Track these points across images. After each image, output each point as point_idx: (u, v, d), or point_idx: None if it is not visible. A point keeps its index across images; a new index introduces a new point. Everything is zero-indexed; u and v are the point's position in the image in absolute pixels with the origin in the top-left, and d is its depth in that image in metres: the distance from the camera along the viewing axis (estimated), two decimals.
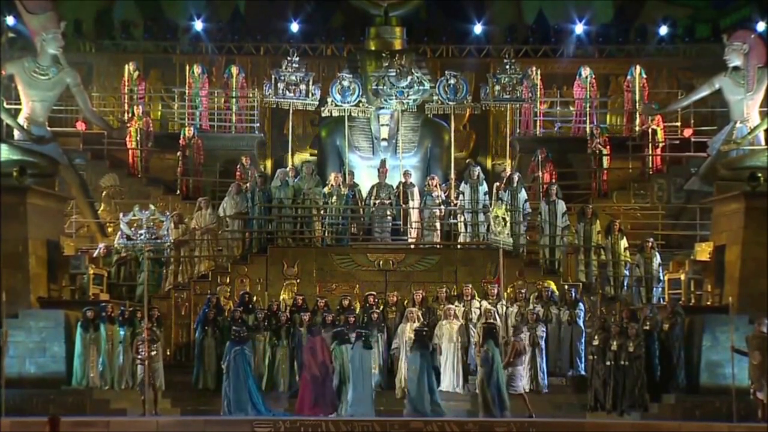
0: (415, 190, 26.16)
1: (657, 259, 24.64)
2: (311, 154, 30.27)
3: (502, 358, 20.92)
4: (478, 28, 31.47)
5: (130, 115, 28.65)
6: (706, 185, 25.76)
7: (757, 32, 27.35)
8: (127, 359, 21.92)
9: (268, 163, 30.30)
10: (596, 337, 21.94)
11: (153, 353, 21.07)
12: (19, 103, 25.57)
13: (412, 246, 25.36)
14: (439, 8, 32.30)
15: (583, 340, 22.87)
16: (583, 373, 22.70)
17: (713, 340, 21.83)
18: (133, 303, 23.49)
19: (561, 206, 25.30)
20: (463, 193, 25.63)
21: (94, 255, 24.60)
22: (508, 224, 21.72)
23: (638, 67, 29.57)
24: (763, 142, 25.15)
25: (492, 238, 21.99)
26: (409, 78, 27.26)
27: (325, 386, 21.20)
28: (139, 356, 21.08)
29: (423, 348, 21.30)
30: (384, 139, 28.00)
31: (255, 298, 23.61)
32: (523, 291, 23.36)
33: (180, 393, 22.23)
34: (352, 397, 21.15)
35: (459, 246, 25.45)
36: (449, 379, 22.44)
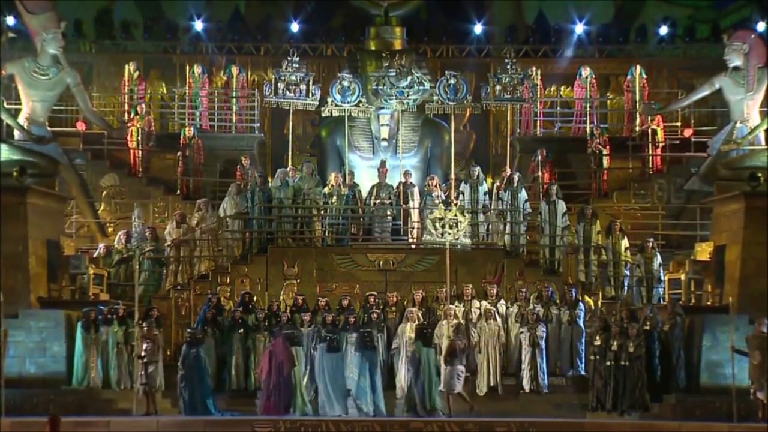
0: (415, 190, 26.16)
1: (657, 259, 24.65)
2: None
3: (436, 359, 21.12)
4: (478, 28, 31.46)
5: (132, 114, 28.64)
6: (707, 185, 25.76)
7: (757, 32, 27.34)
8: (122, 360, 21.94)
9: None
10: (597, 337, 21.95)
11: (144, 353, 21.05)
12: (19, 103, 25.58)
13: (412, 246, 25.35)
14: (439, 8, 32.28)
15: (583, 340, 22.87)
16: (583, 373, 22.70)
17: (713, 340, 21.84)
18: (131, 303, 23.49)
19: (561, 206, 25.30)
20: (463, 193, 25.64)
21: (94, 255, 24.60)
22: (464, 224, 21.56)
23: (638, 67, 29.57)
24: (763, 142, 25.16)
25: (428, 239, 21.67)
26: (409, 78, 27.26)
27: (280, 387, 21.21)
28: (142, 356, 21.10)
29: (366, 349, 21.49)
30: (384, 139, 28.01)
31: (255, 298, 23.61)
32: (523, 291, 23.36)
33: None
34: (321, 398, 21.39)
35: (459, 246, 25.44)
36: None
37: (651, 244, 24.79)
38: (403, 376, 22.28)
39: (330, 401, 21.32)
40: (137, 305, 21.66)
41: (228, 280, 24.33)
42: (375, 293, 23.34)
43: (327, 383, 21.37)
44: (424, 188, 26.05)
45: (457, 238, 21.49)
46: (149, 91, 30.12)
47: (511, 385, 22.59)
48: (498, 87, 26.78)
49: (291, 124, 27.63)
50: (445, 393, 21.16)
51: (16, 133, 24.95)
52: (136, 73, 29.70)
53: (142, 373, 21.05)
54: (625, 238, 25.05)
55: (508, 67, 26.92)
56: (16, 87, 25.44)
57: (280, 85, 26.85)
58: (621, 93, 30.11)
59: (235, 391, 22.35)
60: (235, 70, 29.87)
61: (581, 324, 22.97)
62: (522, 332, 22.59)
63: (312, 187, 25.55)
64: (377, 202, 25.64)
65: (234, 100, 29.57)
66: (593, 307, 23.00)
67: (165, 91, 30.59)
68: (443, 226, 21.29)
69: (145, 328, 21.29)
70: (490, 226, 25.48)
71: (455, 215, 21.34)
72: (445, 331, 22.49)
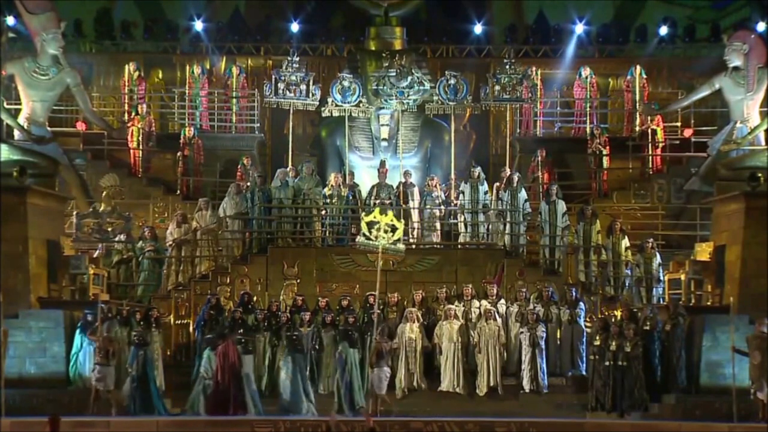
0: (415, 190, 26.17)
1: (657, 259, 24.65)
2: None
3: (362, 360, 21.32)
4: (478, 28, 31.45)
5: (132, 114, 28.63)
6: (706, 185, 25.76)
7: (757, 32, 27.34)
8: (123, 360, 21.95)
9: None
10: (597, 337, 21.97)
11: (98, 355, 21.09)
12: (19, 103, 25.57)
13: (413, 246, 25.34)
14: (439, 8, 32.27)
15: (583, 340, 22.87)
16: (583, 373, 22.70)
17: (713, 340, 21.83)
18: (130, 303, 23.52)
19: (561, 206, 25.30)
20: (463, 193, 25.64)
21: (94, 255, 24.58)
22: (399, 230, 21.54)
23: (638, 67, 29.58)
24: (763, 142, 25.17)
25: (361, 240, 21.62)
26: (409, 78, 27.27)
27: (231, 389, 21.23)
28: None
29: (295, 352, 21.59)
30: (384, 139, 28.03)
31: (255, 298, 23.62)
32: (523, 291, 23.36)
33: (180, 393, 22.20)
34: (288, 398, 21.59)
35: (459, 246, 25.46)
36: (449, 379, 22.48)
37: (651, 244, 24.78)
38: (402, 376, 22.33)
39: (286, 402, 21.47)
40: (97, 307, 21.53)
41: (228, 280, 24.33)
42: (375, 293, 23.33)
43: (282, 383, 21.57)
44: (424, 188, 26.05)
45: (393, 243, 21.39)
46: (149, 91, 30.10)
47: (511, 385, 22.59)
48: (498, 87, 26.80)
49: (291, 124, 27.64)
50: (371, 394, 21.22)
51: (16, 133, 24.94)
52: (136, 73, 29.70)
53: (95, 374, 21.01)
54: (626, 238, 25.05)
55: (508, 67, 26.95)
56: (16, 87, 25.43)
57: (280, 85, 26.86)
58: (621, 93, 30.08)
59: None
60: (235, 70, 29.87)
61: (581, 324, 22.97)
62: (522, 332, 22.60)
63: (312, 187, 25.55)
64: (377, 202, 25.62)
65: (234, 100, 29.56)
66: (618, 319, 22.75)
67: (165, 92, 30.56)
68: (378, 230, 21.27)
69: (105, 332, 21.24)
70: (490, 226, 25.49)
71: (391, 220, 21.31)
72: (445, 331, 22.55)
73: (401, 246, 21.61)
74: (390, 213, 21.71)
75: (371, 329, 22.47)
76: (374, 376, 21.09)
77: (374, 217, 21.35)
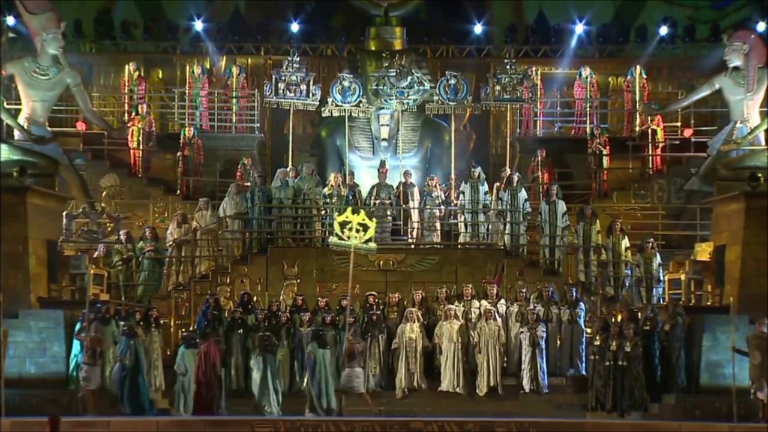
0: (415, 190, 26.17)
1: (657, 260, 24.65)
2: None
3: (331, 360, 21.37)
4: (478, 28, 31.43)
5: (133, 114, 28.63)
6: (706, 185, 25.75)
7: (757, 32, 27.31)
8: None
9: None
10: (597, 337, 21.98)
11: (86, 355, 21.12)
12: (19, 103, 25.57)
13: (412, 246, 25.36)
14: (439, 8, 32.25)
15: (583, 340, 22.87)
16: (583, 373, 22.71)
17: (713, 340, 21.85)
18: (130, 303, 23.52)
19: (561, 206, 25.31)
20: (463, 193, 25.65)
21: (94, 255, 24.58)
22: (371, 229, 21.57)
23: (638, 67, 29.56)
24: (763, 142, 25.16)
25: (334, 241, 21.67)
26: (409, 78, 27.28)
27: (212, 388, 21.35)
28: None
29: (266, 352, 21.64)
30: (384, 139, 28.03)
31: (255, 298, 23.62)
32: (523, 291, 23.36)
33: None
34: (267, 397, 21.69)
35: (459, 246, 25.46)
36: (449, 379, 22.48)
37: (651, 244, 24.79)
38: (402, 376, 22.34)
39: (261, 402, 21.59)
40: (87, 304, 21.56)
41: (228, 280, 24.34)
42: (375, 293, 23.36)
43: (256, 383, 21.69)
44: (424, 188, 26.06)
45: (365, 242, 21.42)
46: (149, 91, 30.10)
47: (511, 385, 22.60)
48: (498, 87, 26.82)
49: (291, 124, 27.64)
50: (340, 393, 21.26)
51: (16, 133, 24.93)
52: (136, 73, 29.69)
53: (82, 373, 21.03)
54: (626, 238, 25.06)
55: (508, 67, 26.96)
56: (16, 87, 25.43)
57: (280, 85, 26.88)
58: (621, 93, 30.06)
59: (234, 391, 22.32)
60: (235, 70, 29.86)
61: (581, 324, 22.97)
62: (522, 332, 22.61)
63: (312, 187, 25.56)
64: (377, 202, 25.66)
65: (234, 100, 29.56)
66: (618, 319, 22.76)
67: (165, 92, 30.56)
68: (350, 230, 21.31)
69: (93, 331, 21.27)
70: (490, 226, 25.49)
71: (362, 219, 21.35)
72: (446, 331, 22.55)
73: (373, 245, 21.65)
74: (362, 212, 21.76)
75: (371, 330, 22.52)
76: (345, 375, 21.14)
77: (346, 217, 21.42)
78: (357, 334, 21.70)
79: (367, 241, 21.42)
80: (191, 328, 23.06)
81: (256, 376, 21.65)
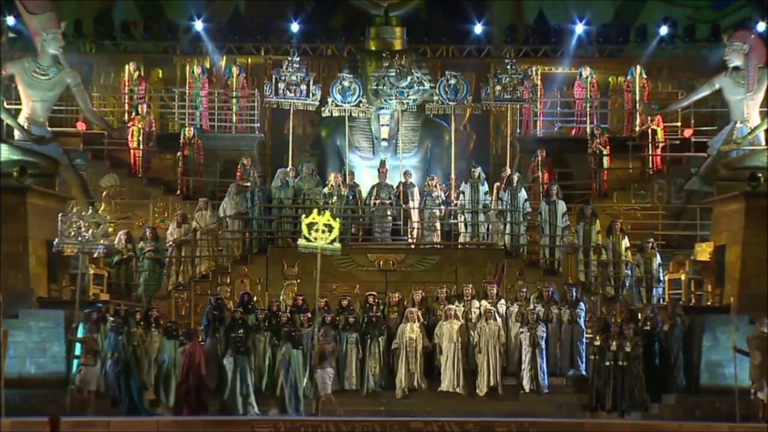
0: (416, 190, 26.18)
1: (657, 259, 24.65)
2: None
3: (305, 362, 21.41)
4: (478, 28, 31.43)
5: (133, 114, 28.63)
6: (706, 185, 25.75)
7: (757, 32, 27.33)
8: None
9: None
10: (598, 337, 21.99)
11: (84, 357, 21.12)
12: (19, 103, 25.58)
13: (412, 246, 25.37)
14: (439, 8, 32.25)
15: (583, 340, 22.87)
16: (583, 373, 22.71)
17: (713, 340, 21.85)
18: (129, 303, 23.51)
19: (561, 206, 25.31)
20: (463, 193, 25.65)
21: (94, 255, 24.56)
22: (335, 229, 21.57)
23: (638, 67, 29.56)
24: (763, 142, 25.17)
25: (303, 243, 21.65)
26: (409, 78, 27.28)
27: (199, 388, 21.43)
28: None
29: (237, 353, 21.68)
30: (384, 139, 28.04)
31: (255, 298, 23.62)
32: (523, 291, 23.36)
33: None
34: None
35: (459, 246, 25.47)
36: (449, 379, 22.47)
37: (651, 244, 24.79)
38: (402, 376, 22.34)
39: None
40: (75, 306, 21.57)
41: (228, 280, 24.34)
42: (375, 293, 23.36)
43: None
44: (424, 188, 26.06)
45: (330, 243, 21.45)
46: (149, 91, 30.10)
47: (511, 385, 22.58)
48: (498, 87, 26.81)
49: (291, 124, 27.65)
50: (315, 394, 21.36)
51: (16, 133, 24.94)
52: (136, 73, 29.69)
53: (80, 374, 21.04)
54: (626, 238, 25.06)
55: (508, 67, 26.96)
56: (16, 87, 25.43)
57: (280, 85, 26.88)
58: (621, 93, 30.07)
59: None
60: (235, 70, 29.86)
61: (581, 324, 22.97)
62: (522, 332, 22.60)
63: (312, 187, 25.57)
64: (377, 202, 25.67)
65: (234, 100, 29.56)
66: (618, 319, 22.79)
67: (165, 92, 30.56)
68: (317, 231, 21.33)
69: (88, 332, 21.28)
70: (490, 226, 25.49)
71: (327, 220, 21.38)
72: (446, 331, 22.54)
73: (337, 245, 21.68)
74: (327, 213, 21.78)
75: (371, 330, 22.52)
76: (317, 377, 21.17)
77: (313, 218, 21.46)
78: (327, 335, 21.74)
79: (332, 242, 21.45)
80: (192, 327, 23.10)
81: (227, 376, 21.70)
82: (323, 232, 21.35)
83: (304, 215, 22.47)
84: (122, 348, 21.28)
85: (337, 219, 21.78)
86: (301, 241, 21.62)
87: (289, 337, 21.79)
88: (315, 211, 21.94)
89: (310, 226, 21.39)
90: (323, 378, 21.25)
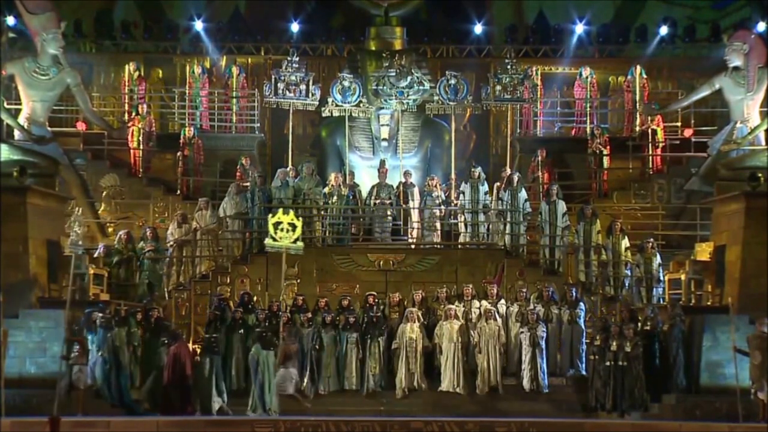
0: (416, 190, 26.18)
1: (657, 259, 24.65)
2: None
3: (275, 361, 21.36)
4: (478, 28, 31.45)
5: (133, 114, 28.64)
6: (706, 185, 25.75)
7: (757, 32, 27.34)
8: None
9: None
10: (597, 337, 21.99)
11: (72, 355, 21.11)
12: (19, 103, 25.55)
13: (413, 246, 25.37)
14: (439, 8, 32.28)
15: (583, 340, 22.87)
16: (583, 373, 22.71)
17: (713, 340, 21.85)
18: (129, 303, 23.51)
19: (561, 206, 25.31)
20: (463, 193, 25.65)
21: (94, 255, 24.58)
22: (298, 228, 21.58)
23: (638, 67, 29.57)
24: (763, 142, 25.15)
25: (269, 243, 21.63)
26: (409, 78, 27.29)
27: (183, 388, 21.45)
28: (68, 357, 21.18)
29: (211, 353, 21.74)
30: (384, 139, 28.06)
31: (255, 298, 23.62)
32: (523, 291, 23.36)
33: None
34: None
35: (459, 246, 25.47)
36: (449, 379, 22.47)
37: (651, 244, 24.79)
38: (402, 376, 22.33)
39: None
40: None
41: (228, 280, 24.35)
42: (375, 293, 23.36)
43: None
44: (424, 188, 26.07)
45: (293, 242, 21.46)
46: (149, 91, 30.10)
47: (511, 385, 22.58)
48: (498, 87, 26.82)
49: (291, 124, 27.65)
50: (293, 395, 21.32)
51: (16, 133, 24.92)
52: (136, 72, 29.70)
53: (68, 373, 21.02)
54: (626, 238, 25.06)
55: (509, 67, 26.96)
56: (16, 87, 25.41)
57: (280, 85, 26.88)
58: (621, 93, 30.07)
59: (235, 391, 22.32)
60: (235, 70, 29.87)
61: (581, 324, 22.97)
62: (522, 332, 22.60)
63: (312, 187, 25.57)
64: (377, 202, 25.68)
65: (234, 100, 29.56)
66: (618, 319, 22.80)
67: (165, 92, 30.56)
68: (282, 230, 21.35)
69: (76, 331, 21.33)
70: (490, 226, 25.49)
71: (291, 219, 21.39)
72: (446, 331, 22.54)
73: (300, 244, 21.67)
74: (291, 213, 21.80)
75: (371, 330, 22.52)
76: (279, 376, 21.16)
77: (279, 218, 21.47)
78: (292, 335, 21.73)
79: (295, 241, 21.47)
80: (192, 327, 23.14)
81: (199, 376, 21.72)
82: (287, 231, 21.37)
83: (270, 215, 22.45)
84: (111, 345, 21.27)
85: (300, 218, 21.80)
86: (268, 241, 21.65)
87: (260, 337, 21.78)
88: (280, 210, 21.91)
89: (276, 225, 21.41)
90: (284, 377, 21.08)
